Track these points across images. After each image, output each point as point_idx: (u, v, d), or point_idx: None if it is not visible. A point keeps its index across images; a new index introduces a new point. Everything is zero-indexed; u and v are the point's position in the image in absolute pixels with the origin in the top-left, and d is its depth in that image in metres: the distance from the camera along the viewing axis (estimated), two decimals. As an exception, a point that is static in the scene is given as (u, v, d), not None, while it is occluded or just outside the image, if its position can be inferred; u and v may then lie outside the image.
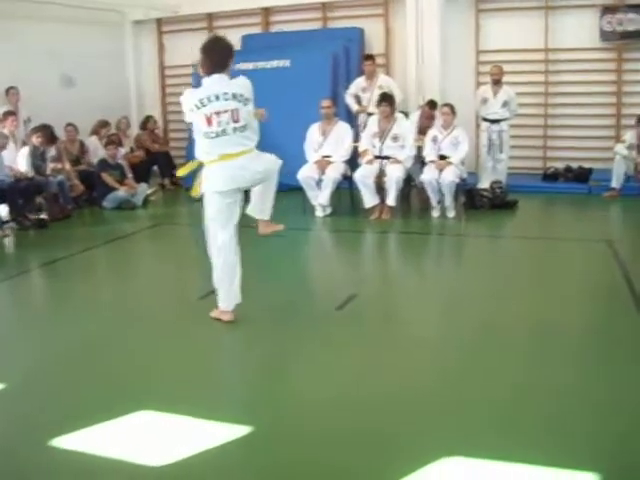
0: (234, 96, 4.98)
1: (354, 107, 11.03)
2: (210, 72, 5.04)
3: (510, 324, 5.36)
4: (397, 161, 9.27)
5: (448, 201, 9.18)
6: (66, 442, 3.63)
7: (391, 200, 9.21)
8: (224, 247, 5.24)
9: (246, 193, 5.37)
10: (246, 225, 5.43)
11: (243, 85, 5.09)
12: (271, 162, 5.31)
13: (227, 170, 5.06)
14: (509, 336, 5.09)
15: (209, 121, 4.95)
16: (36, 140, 9.72)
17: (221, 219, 5.20)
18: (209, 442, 3.59)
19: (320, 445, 3.61)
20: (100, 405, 4.06)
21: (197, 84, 12.35)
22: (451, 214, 9.23)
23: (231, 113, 4.96)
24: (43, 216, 9.36)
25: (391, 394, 4.17)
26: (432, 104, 10.33)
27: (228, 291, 5.33)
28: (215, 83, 5.01)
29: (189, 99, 5.05)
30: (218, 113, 4.93)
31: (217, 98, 4.94)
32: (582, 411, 3.86)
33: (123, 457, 3.48)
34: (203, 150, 5.13)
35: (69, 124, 11.05)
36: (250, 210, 5.46)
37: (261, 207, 5.42)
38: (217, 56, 5.06)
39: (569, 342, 4.92)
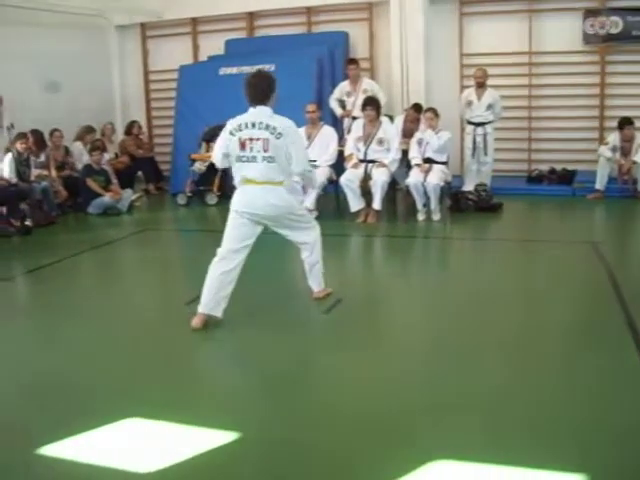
0: (267, 127, 5.25)
1: (338, 111, 11.04)
2: (253, 104, 5.34)
3: (495, 327, 5.38)
4: (382, 165, 9.29)
5: (433, 204, 9.20)
6: (52, 450, 3.60)
7: (377, 204, 9.23)
8: (221, 260, 5.41)
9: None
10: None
11: (281, 122, 5.33)
12: (295, 209, 5.70)
13: (247, 194, 5.40)
14: (494, 339, 5.10)
15: (243, 145, 5.30)
16: (20, 146, 9.66)
17: (230, 235, 5.45)
18: (198, 449, 3.57)
19: (308, 450, 3.61)
20: (87, 413, 4.03)
21: (182, 88, 12.24)
22: (436, 217, 9.25)
23: (263, 142, 5.26)
24: (27, 223, 9.30)
25: (377, 398, 4.17)
26: (417, 107, 10.36)
27: (207, 296, 5.39)
28: (255, 113, 5.32)
29: (230, 123, 5.38)
30: (252, 139, 5.27)
31: (253, 126, 5.27)
32: (568, 413, 3.87)
33: (111, 465, 3.45)
34: (235, 173, 5.47)
35: (55, 129, 10.98)
36: (311, 283, 5.98)
37: (317, 280, 5.96)
38: (256, 90, 5.33)
39: (554, 345, 4.94)
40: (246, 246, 5.44)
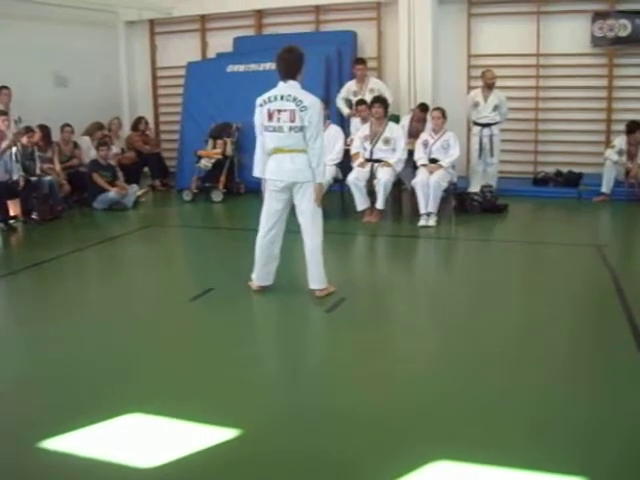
0: (294, 99, 5.62)
1: (345, 111, 11.04)
2: (285, 79, 5.72)
3: (498, 328, 5.38)
4: (387, 164, 9.28)
5: (431, 204, 8.99)
6: (53, 444, 3.62)
7: (379, 203, 9.21)
8: (262, 232, 6.01)
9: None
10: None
11: (308, 97, 5.67)
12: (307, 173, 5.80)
13: (275, 162, 5.82)
14: (497, 340, 5.11)
15: (270, 116, 5.69)
16: (27, 140, 9.67)
17: (267, 205, 5.97)
18: (198, 445, 3.59)
19: (309, 450, 3.62)
20: (88, 407, 4.05)
21: (190, 85, 12.25)
22: (431, 222, 8.98)
23: (290, 113, 5.62)
24: (33, 216, 9.32)
25: (378, 398, 4.18)
26: (423, 107, 10.35)
27: (258, 270, 6.07)
28: (285, 87, 5.71)
29: (260, 98, 5.78)
30: (279, 111, 5.65)
31: (281, 98, 5.66)
32: (569, 415, 3.87)
33: (111, 459, 3.47)
34: (265, 143, 5.87)
35: (66, 124, 10.99)
36: (310, 283, 6.02)
37: (315, 277, 5.98)
38: (288, 65, 5.73)
39: (557, 347, 4.94)
40: (277, 218, 5.94)
